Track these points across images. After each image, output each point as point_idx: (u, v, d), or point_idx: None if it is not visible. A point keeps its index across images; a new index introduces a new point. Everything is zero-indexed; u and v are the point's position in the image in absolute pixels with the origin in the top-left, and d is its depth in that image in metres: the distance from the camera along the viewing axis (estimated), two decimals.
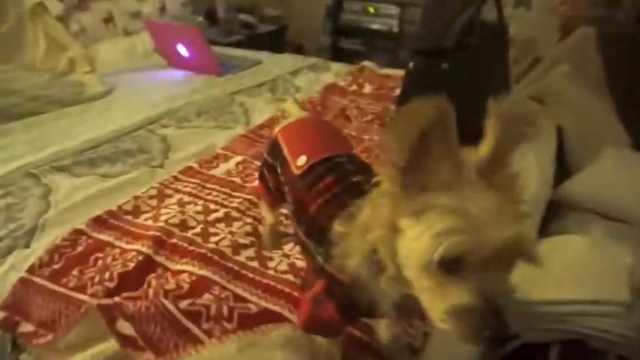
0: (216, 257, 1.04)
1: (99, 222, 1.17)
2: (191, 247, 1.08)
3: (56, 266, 1.03)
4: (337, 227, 0.68)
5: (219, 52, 2.47)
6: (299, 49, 3.84)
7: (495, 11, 1.78)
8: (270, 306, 0.92)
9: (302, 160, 0.84)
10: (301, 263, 1.05)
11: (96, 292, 0.96)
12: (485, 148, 0.56)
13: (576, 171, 1.73)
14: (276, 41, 3.75)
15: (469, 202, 0.49)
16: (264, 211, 1.10)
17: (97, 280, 0.99)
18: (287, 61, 2.57)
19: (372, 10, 3.61)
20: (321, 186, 0.78)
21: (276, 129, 1.00)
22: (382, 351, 0.85)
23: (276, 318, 0.88)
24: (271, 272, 1.02)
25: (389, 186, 0.54)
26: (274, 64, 2.51)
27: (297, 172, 0.84)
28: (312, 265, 0.75)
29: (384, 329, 0.85)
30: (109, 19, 2.53)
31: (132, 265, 1.02)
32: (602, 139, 1.98)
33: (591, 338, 1.01)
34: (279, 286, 0.97)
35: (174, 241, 1.10)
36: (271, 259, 1.07)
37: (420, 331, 0.87)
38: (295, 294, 0.95)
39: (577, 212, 1.55)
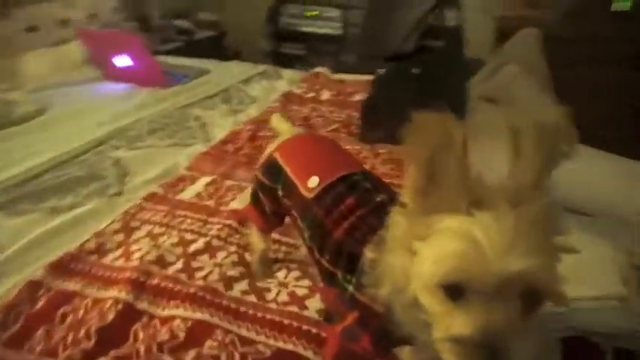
0: (208, 296, 0.93)
1: (58, 268, 1.01)
2: (177, 287, 0.96)
3: (14, 329, 0.86)
4: (368, 254, 0.62)
5: (160, 62, 2.29)
6: (237, 56, 3.71)
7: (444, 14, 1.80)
8: (282, 345, 0.83)
9: (314, 181, 0.77)
10: (301, 291, 0.97)
11: (71, 356, 0.81)
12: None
13: None
14: (215, 48, 3.60)
15: (480, 227, 0.44)
16: (255, 237, 1.00)
17: (69, 340, 0.84)
18: (236, 69, 2.45)
19: (313, 13, 3.56)
20: (343, 208, 0.71)
21: (270, 148, 0.91)
22: None
23: (292, 357, 0.79)
24: (273, 305, 0.93)
25: (407, 208, 0.51)
26: (222, 72, 2.39)
27: (309, 194, 0.76)
28: (340, 295, 0.67)
29: (408, 356, 0.79)
30: (33, 28, 2.27)
31: (110, 316, 0.88)
32: None
33: (593, 334, 1.02)
34: (285, 321, 0.88)
35: (155, 282, 0.97)
36: (268, 290, 0.98)
37: None
38: (305, 327, 0.86)
39: None
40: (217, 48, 3.62)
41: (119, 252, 1.08)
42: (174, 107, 1.91)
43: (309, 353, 0.81)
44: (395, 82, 1.54)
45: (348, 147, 1.56)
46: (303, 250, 0.99)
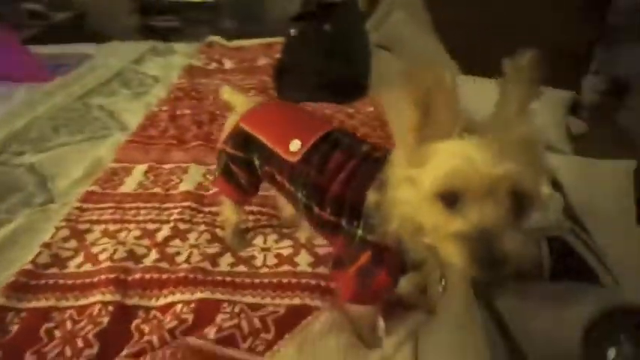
0: (199, 276, 0.93)
1: (18, 289, 0.92)
2: (163, 276, 0.94)
3: None
4: (372, 197, 0.69)
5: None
6: (102, 37, 3.37)
7: None
8: (290, 302, 0.88)
9: (296, 145, 0.80)
10: (286, 252, 1.01)
11: None
12: (500, 106, 0.61)
13: None
14: (77, 30, 3.23)
15: (470, 145, 0.53)
16: (229, 211, 1.01)
17: (69, 353, 0.80)
18: (122, 49, 2.27)
19: None
20: (333, 164, 0.76)
21: (233, 121, 0.91)
22: (405, 300, 0.90)
23: (304, 310, 0.85)
24: (265, 270, 0.96)
25: (404, 145, 0.58)
26: (107, 55, 2.20)
27: (294, 158, 0.80)
28: (348, 242, 0.74)
29: (404, 281, 0.90)
30: None
31: (105, 319, 0.85)
32: None
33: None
34: (284, 280, 0.93)
35: (137, 276, 0.94)
36: (253, 257, 1.01)
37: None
38: (304, 281, 0.92)
39: None
40: (79, 30, 3.26)
41: (80, 258, 1.01)
42: (69, 100, 1.74)
43: (317, 303, 0.87)
44: (308, 41, 1.58)
45: None
46: (288, 211, 1.03)
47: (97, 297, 0.89)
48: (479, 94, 1.87)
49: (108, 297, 0.89)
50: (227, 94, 1.03)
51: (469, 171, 0.52)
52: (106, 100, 1.74)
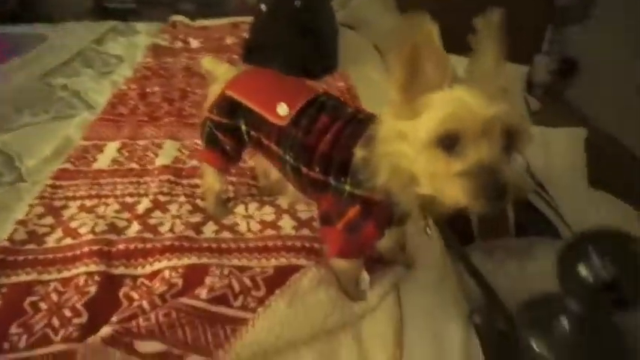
0: (185, 243, 0.94)
1: None
2: (148, 245, 0.95)
3: None
4: (359, 153, 0.72)
5: None
6: (50, 18, 3.20)
7: None
8: (277, 262, 0.91)
9: (284, 109, 0.83)
10: (269, 217, 1.04)
11: (69, 336, 0.77)
12: (477, 60, 0.65)
13: None
14: (25, 11, 3.06)
15: (462, 92, 0.58)
16: (212, 179, 1.02)
17: (57, 323, 0.79)
18: (79, 30, 2.19)
19: None
20: (320, 126, 0.79)
21: (218, 89, 0.92)
22: (384, 255, 0.95)
23: (291, 269, 0.87)
24: (250, 235, 0.99)
25: (393, 99, 0.60)
26: (64, 35, 2.12)
27: (282, 122, 0.82)
28: (336, 198, 0.77)
29: (385, 238, 0.94)
30: None
31: (93, 289, 0.84)
32: None
33: None
34: (269, 244, 0.95)
35: (121, 247, 0.94)
36: (236, 224, 1.02)
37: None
38: (289, 243, 0.95)
39: None
40: (28, 11, 3.09)
41: (59, 233, 0.99)
42: (29, 80, 1.67)
43: (303, 262, 0.90)
44: (279, 17, 1.58)
45: None
46: (273, 177, 1.05)
47: (80, 268, 0.89)
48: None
49: (92, 267, 0.88)
50: (209, 63, 1.03)
51: (465, 114, 0.56)
52: (69, 80, 1.69)
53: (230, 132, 0.91)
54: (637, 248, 0.46)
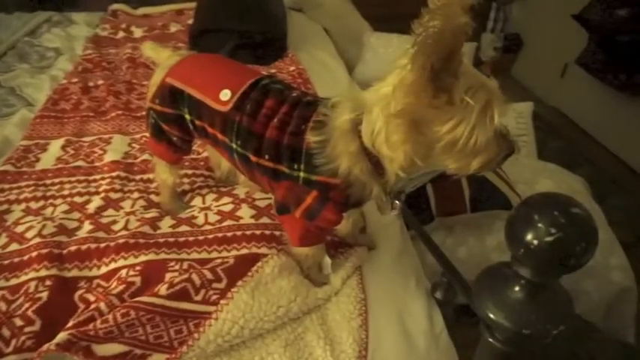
0: (141, 240, 0.91)
1: None
2: (102, 245, 0.91)
3: None
4: (312, 138, 0.72)
5: None
6: None
7: None
8: (238, 252, 0.89)
9: (226, 94, 0.80)
10: (227, 208, 1.02)
11: (22, 346, 0.74)
12: None
13: (348, 60, 2.05)
14: None
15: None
16: (164, 173, 0.99)
17: (8, 334, 0.75)
18: (9, 22, 2.04)
19: None
20: (265, 110, 0.77)
21: (159, 77, 0.89)
22: (346, 238, 0.96)
23: (252, 258, 0.87)
24: (208, 227, 0.97)
25: (411, 86, 0.58)
26: None
27: (225, 107, 0.80)
28: (291, 185, 0.76)
29: (344, 220, 0.95)
30: None
31: (45, 294, 0.81)
32: (355, 30, 2.37)
33: None
34: (228, 234, 0.94)
35: (73, 248, 0.90)
36: (194, 217, 1.00)
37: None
38: (249, 232, 0.94)
39: None
40: None
41: (3, 239, 0.94)
42: None
43: (264, 250, 0.89)
44: (225, 3, 1.54)
45: None
46: (223, 167, 1.03)
47: (30, 274, 0.85)
48: (390, 47, 1.97)
49: (43, 272, 0.85)
50: (149, 49, 0.99)
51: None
52: (3, 77, 1.58)
53: (175, 122, 0.88)
54: (578, 210, 0.48)
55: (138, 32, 1.97)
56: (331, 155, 0.71)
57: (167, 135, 0.90)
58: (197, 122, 0.86)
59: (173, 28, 2.00)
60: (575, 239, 0.47)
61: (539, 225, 0.47)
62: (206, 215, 1.00)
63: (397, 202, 0.76)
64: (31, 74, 1.61)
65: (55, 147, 1.22)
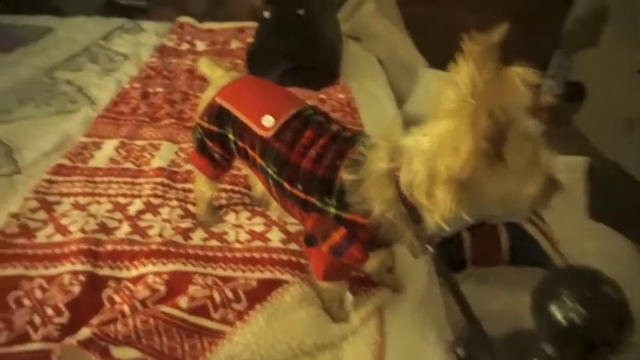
0: (172, 248, 0.95)
1: None
2: (135, 248, 0.95)
3: None
4: (347, 176, 0.72)
5: None
6: (61, 10, 3.19)
7: None
8: (262, 275, 0.91)
9: (269, 120, 0.82)
10: (259, 228, 1.04)
11: (48, 335, 0.78)
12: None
13: (399, 93, 2.05)
14: (39, 3, 3.07)
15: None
16: (203, 186, 1.02)
17: (38, 321, 0.80)
18: (87, 25, 2.20)
19: None
20: (304, 141, 0.79)
21: (209, 95, 0.92)
22: (372, 276, 0.94)
23: (274, 283, 0.88)
24: (237, 245, 0.99)
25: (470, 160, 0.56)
26: (71, 30, 2.13)
27: (266, 133, 0.82)
28: (321, 218, 0.76)
29: (371, 259, 0.94)
30: None
31: (76, 289, 0.85)
32: (409, 63, 2.37)
33: None
34: (256, 255, 0.95)
35: (108, 248, 0.95)
36: (225, 232, 1.02)
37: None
38: (276, 256, 0.95)
39: None
40: (41, 3, 3.10)
41: (50, 229, 1.00)
42: (34, 73, 1.68)
43: (287, 276, 0.90)
44: (282, 25, 1.59)
45: None
46: (259, 189, 1.05)
47: (67, 267, 0.89)
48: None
49: (78, 267, 0.89)
50: (204, 66, 1.03)
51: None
52: (73, 75, 1.70)
53: (218, 140, 0.91)
54: (609, 289, 0.46)
55: (200, 45, 2.07)
56: (364, 196, 0.70)
57: (210, 151, 0.94)
58: (239, 143, 0.88)
59: (233, 45, 2.08)
60: (602, 321, 0.45)
61: (566, 300, 0.45)
62: (237, 232, 1.02)
63: (429, 247, 0.75)
64: (98, 75, 1.72)
65: (109, 147, 1.29)
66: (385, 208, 0.69)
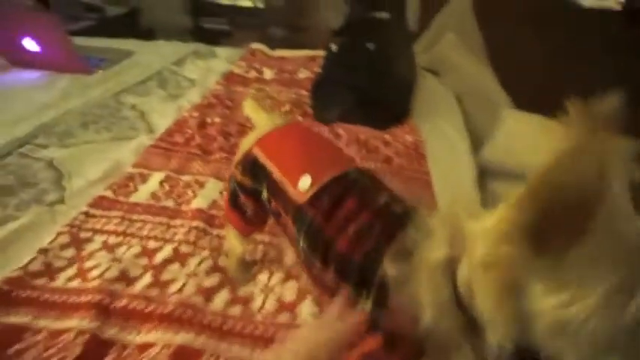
0: (188, 313, 0.84)
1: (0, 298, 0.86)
2: (150, 307, 0.86)
3: None
4: (391, 270, 0.56)
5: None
6: (152, 34, 3.38)
7: None
8: None
9: (306, 182, 0.69)
10: (290, 296, 0.91)
11: None
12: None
13: (477, 135, 1.83)
14: (128, 25, 3.27)
15: None
16: (233, 240, 0.91)
17: None
18: (163, 49, 2.25)
19: None
20: (344, 213, 0.64)
21: (248, 142, 0.82)
22: None
23: None
24: (260, 317, 0.86)
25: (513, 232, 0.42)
26: (148, 53, 2.18)
27: (301, 198, 0.69)
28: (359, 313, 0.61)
29: None
30: None
31: (78, 349, 0.77)
32: (491, 102, 2.14)
33: None
34: (279, 335, 0.82)
35: (122, 303, 0.86)
36: (252, 297, 0.90)
37: None
38: None
39: (498, 179, 1.64)
40: (130, 26, 3.30)
41: (72, 270, 0.94)
42: (104, 96, 1.71)
43: None
44: (349, 58, 1.47)
45: None
46: (291, 256, 0.93)
47: (74, 322, 0.82)
48: (529, 131, 1.68)
49: (85, 324, 0.81)
50: (249, 109, 0.93)
51: None
52: (138, 100, 1.71)
53: (252, 195, 0.80)
54: None
55: (268, 74, 2.01)
56: (412, 298, 0.54)
57: (242, 206, 0.83)
58: (273, 203, 0.76)
59: (301, 74, 2.00)
60: None
61: None
62: (265, 299, 0.90)
63: None
64: (162, 101, 1.71)
65: (155, 180, 1.24)
66: (438, 314, 0.52)
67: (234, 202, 0.84)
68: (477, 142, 1.70)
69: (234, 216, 0.86)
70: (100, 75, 1.89)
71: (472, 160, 1.49)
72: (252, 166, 0.78)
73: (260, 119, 0.91)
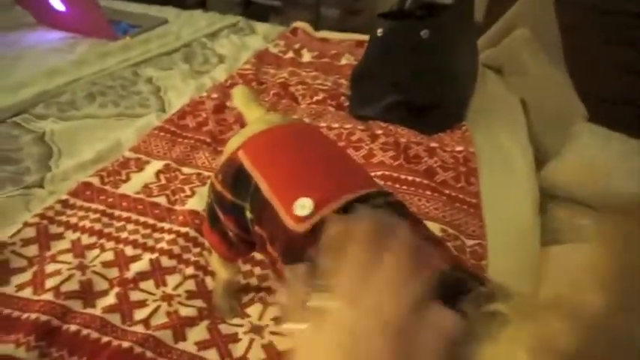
0: (148, 353, 0.65)
1: None
2: (105, 338, 0.68)
3: None
4: None
5: (105, 6, 1.86)
6: (200, 4, 3.24)
7: None
8: None
9: (304, 206, 0.49)
10: (282, 343, 0.70)
11: None
12: None
13: (541, 150, 1.55)
14: None
15: None
16: (217, 264, 0.72)
17: None
18: (200, 20, 2.06)
19: None
20: None
21: (234, 143, 0.62)
22: None
23: None
24: None
25: None
26: (184, 23, 2.00)
27: (298, 226, 0.49)
28: None
29: None
30: None
31: None
32: (563, 114, 1.84)
33: None
34: None
35: (73, 327, 0.69)
36: (235, 338, 0.71)
37: None
38: None
39: (562, 203, 1.37)
40: None
41: (27, 275, 0.78)
42: (121, 65, 1.55)
43: None
44: (396, 46, 1.23)
45: (335, 125, 1.28)
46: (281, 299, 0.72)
47: (9, 348, 0.65)
48: (607, 149, 1.39)
49: (21, 352, 0.64)
50: (239, 97, 0.73)
51: None
52: (158, 73, 1.54)
53: (232, 213, 0.59)
54: None
55: (306, 56, 1.79)
56: None
57: (222, 226, 0.63)
58: (256, 227, 0.56)
59: (344, 60, 1.77)
60: None
61: None
62: (251, 342, 0.70)
63: None
64: (183, 77, 1.53)
65: (152, 169, 1.06)
66: None
67: (213, 220, 0.65)
68: (541, 159, 1.43)
69: (213, 237, 0.66)
70: (123, 42, 1.73)
71: (534, 182, 1.23)
72: (235, 175, 0.58)
73: (251, 114, 0.70)
